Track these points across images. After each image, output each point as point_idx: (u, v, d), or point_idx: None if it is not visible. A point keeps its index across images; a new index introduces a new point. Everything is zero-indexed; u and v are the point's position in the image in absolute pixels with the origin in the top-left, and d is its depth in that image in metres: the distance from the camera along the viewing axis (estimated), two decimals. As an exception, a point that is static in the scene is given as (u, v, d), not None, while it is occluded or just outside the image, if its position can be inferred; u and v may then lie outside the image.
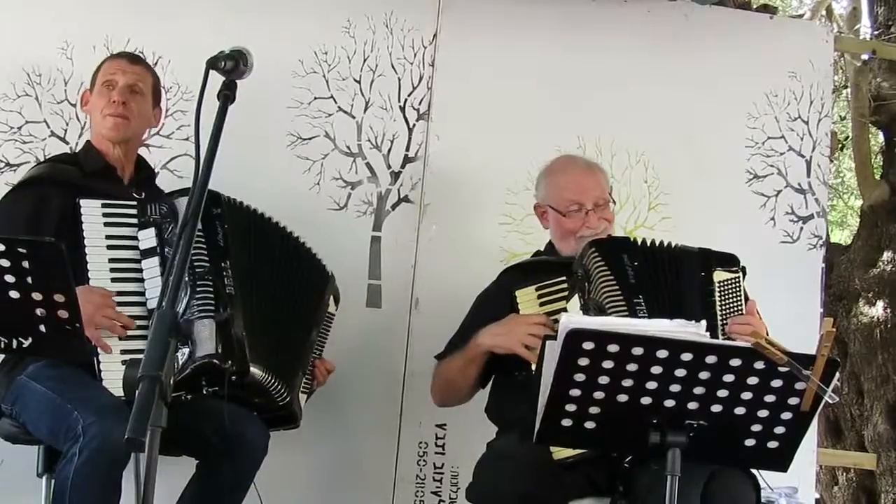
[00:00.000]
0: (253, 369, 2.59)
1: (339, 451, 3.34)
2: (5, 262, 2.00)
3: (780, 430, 2.09)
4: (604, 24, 3.69)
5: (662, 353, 2.00)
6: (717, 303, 2.63)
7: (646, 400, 2.06)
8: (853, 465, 5.30)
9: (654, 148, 3.64)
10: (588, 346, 2.00)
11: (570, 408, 2.09)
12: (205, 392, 2.56)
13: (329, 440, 3.30)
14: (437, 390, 2.90)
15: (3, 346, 2.11)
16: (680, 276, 2.65)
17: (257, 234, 2.81)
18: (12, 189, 2.75)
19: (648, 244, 2.70)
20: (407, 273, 3.46)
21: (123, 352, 2.48)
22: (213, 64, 2.08)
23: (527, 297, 2.70)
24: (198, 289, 2.56)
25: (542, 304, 2.68)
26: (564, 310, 2.58)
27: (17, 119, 3.27)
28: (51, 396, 2.44)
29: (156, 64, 3.20)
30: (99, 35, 3.29)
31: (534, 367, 2.46)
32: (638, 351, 2.00)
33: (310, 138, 3.46)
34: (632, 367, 2.02)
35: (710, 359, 2.01)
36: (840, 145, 7.16)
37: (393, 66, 3.54)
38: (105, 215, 2.61)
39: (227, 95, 2.06)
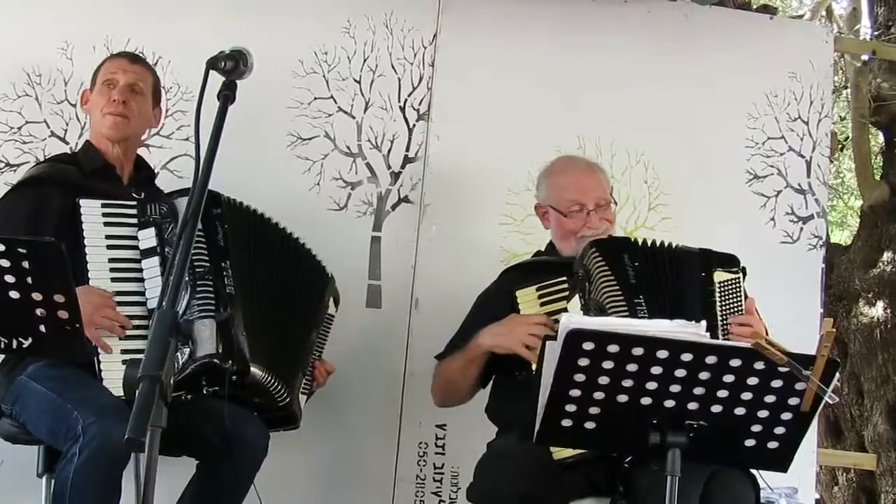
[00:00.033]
0: (253, 369, 2.59)
1: (339, 452, 3.34)
2: (5, 262, 2.00)
3: (780, 430, 2.09)
4: (604, 24, 3.69)
5: (662, 354, 2.00)
6: (718, 303, 2.63)
7: (646, 400, 2.06)
8: (853, 466, 5.30)
9: (655, 148, 3.65)
10: (588, 346, 2.00)
11: (570, 408, 2.09)
12: (205, 392, 2.56)
13: (329, 440, 3.30)
14: (438, 390, 2.90)
15: (3, 346, 2.11)
16: (680, 277, 2.65)
17: (257, 235, 2.81)
18: (12, 189, 2.75)
19: (649, 244, 2.70)
20: (407, 273, 3.46)
21: (124, 351, 2.48)
22: (213, 64, 2.08)
23: (527, 297, 2.69)
24: (198, 288, 2.56)
25: (542, 304, 2.68)
26: (565, 310, 2.58)
27: (17, 119, 3.27)
28: (51, 396, 2.44)
29: (156, 64, 3.20)
30: (99, 35, 3.29)
31: (534, 367, 2.46)
32: (638, 351, 2.00)
33: (310, 138, 3.46)
34: (632, 367, 2.02)
35: (710, 359, 2.01)
36: (840, 146, 7.17)
37: (393, 67, 3.54)
38: (105, 215, 2.61)
39: (227, 95, 2.06)
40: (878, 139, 5.84)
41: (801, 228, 3.74)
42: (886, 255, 5.18)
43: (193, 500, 2.61)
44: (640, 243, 2.71)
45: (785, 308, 3.27)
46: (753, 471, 2.34)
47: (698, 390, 2.04)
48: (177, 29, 3.36)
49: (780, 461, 2.15)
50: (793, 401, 2.05)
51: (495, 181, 3.53)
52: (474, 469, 2.53)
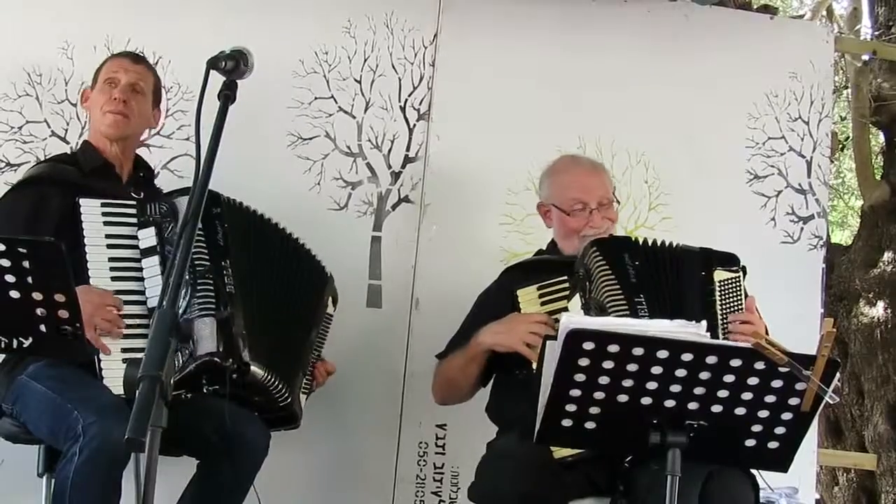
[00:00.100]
0: (254, 368, 2.59)
1: (339, 452, 3.34)
2: (6, 262, 2.00)
3: (780, 430, 2.09)
4: (604, 24, 3.69)
5: (663, 354, 2.00)
6: (718, 302, 2.63)
7: (646, 400, 2.06)
8: (853, 466, 5.30)
9: (655, 148, 3.65)
10: (588, 346, 2.00)
11: (571, 408, 2.09)
12: (205, 391, 2.56)
13: (329, 440, 3.30)
14: (438, 389, 2.90)
15: (3, 346, 2.11)
16: (680, 276, 2.65)
17: (257, 235, 2.81)
18: (11, 188, 2.75)
19: (650, 244, 2.70)
20: (407, 273, 3.46)
21: (124, 350, 2.48)
22: (213, 64, 2.08)
23: (528, 297, 2.69)
24: (198, 287, 2.56)
25: (543, 304, 2.68)
26: (566, 309, 2.58)
27: (17, 119, 3.27)
28: (51, 396, 2.44)
29: (156, 64, 3.20)
30: (99, 35, 3.29)
31: (534, 365, 2.46)
32: (638, 351, 2.00)
33: (310, 138, 3.46)
34: (632, 367, 2.02)
35: (711, 359, 2.01)
36: (840, 146, 7.16)
37: (393, 66, 3.54)
38: (105, 214, 2.61)
39: (228, 95, 2.06)
40: (878, 139, 5.83)
41: (802, 228, 3.74)
42: (887, 255, 5.18)
43: (194, 500, 2.61)
44: (640, 242, 2.71)
45: (785, 308, 3.27)
46: (753, 471, 2.34)
47: (699, 390, 2.04)
48: (177, 29, 3.37)
49: (781, 461, 2.15)
50: (793, 401, 2.05)
51: (495, 181, 3.53)
52: (476, 469, 2.53)
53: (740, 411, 2.06)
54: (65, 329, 2.07)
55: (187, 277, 2.51)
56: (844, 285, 5.34)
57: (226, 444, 2.52)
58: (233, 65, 2.08)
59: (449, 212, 3.51)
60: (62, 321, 2.06)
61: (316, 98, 3.48)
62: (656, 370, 2.02)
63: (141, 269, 2.59)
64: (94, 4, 3.35)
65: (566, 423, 2.11)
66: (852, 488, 5.52)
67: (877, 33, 5.58)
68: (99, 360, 2.47)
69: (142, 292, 2.57)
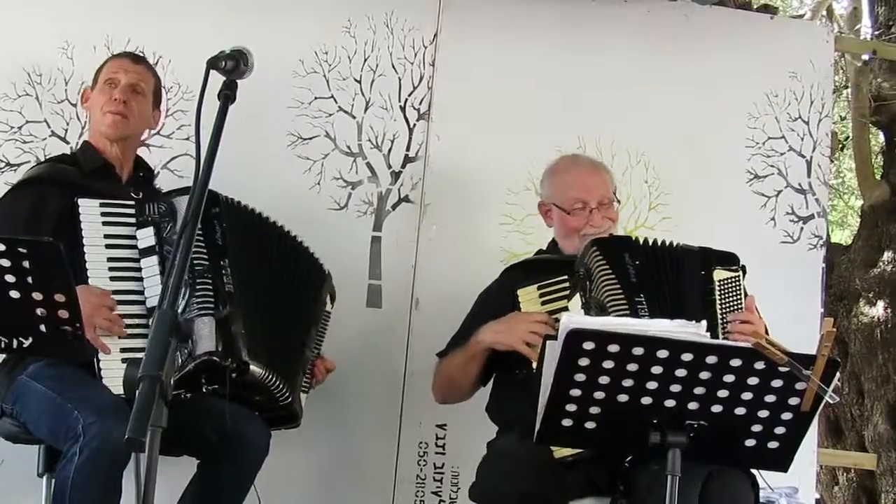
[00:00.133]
0: (253, 367, 2.59)
1: (339, 451, 3.33)
2: (6, 262, 2.00)
3: (780, 430, 2.09)
4: (604, 24, 3.69)
5: (663, 354, 2.00)
6: (717, 301, 2.63)
7: (646, 400, 2.06)
8: (853, 466, 5.30)
9: (655, 148, 3.65)
10: (588, 346, 2.00)
11: (571, 408, 2.09)
12: (205, 390, 2.56)
13: (329, 440, 3.30)
14: (439, 388, 2.91)
15: (3, 346, 2.11)
16: (680, 275, 2.66)
17: (255, 234, 2.81)
18: (11, 189, 2.75)
19: (650, 243, 2.70)
20: (407, 273, 3.46)
21: (123, 350, 2.48)
22: (213, 64, 2.08)
23: (528, 296, 2.69)
24: (197, 287, 2.56)
25: (543, 303, 2.68)
26: (566, 308, 2.58)
27: (17, 119, 3.27)
28: (51, 396, 2.44)
29: (156, 64, 3.20)
30: (99, 35, 3.29)
31: (534, 364, 2.46)
32: (638, 351, 2.00)
33: (310, 138, 3.46)
34: (632, 367, 2.02)
35: (711, 359, 2.01)
36: (840, 145, 7.16)
37: (393, 66, 3.54)
38: (103, 214, 2.61)
39: (228, 95, 2.06)
40: (878, 139, 5.83)
41: (802, 228, 3.74)
42: (887, 255, 5.18)
43: (194, 500, 2.61)
44: (640, 242, 2.72)
45: (785, 308, 3.27)
46: (753, 470, 2.34)
47: (699, 390, 2.04)
48: (177, 29, 3.37)
49: (781, 461, 2.15)
50: (793, 400, 2.05)
51: (495, 181, 3.53)
52: (476, 469, 2.53)
53: (740, 411, 2.06)
54: (65, 329, 2.07)
55: (186, 277, 2.51)
56: (844, 285, 5.34)
57: (226, 444, 2.53)
58: (233, 65, 2.08)
59: (449, 212, 3.51)
60: (62, 321, 2.06)
61: (316, 98, 3.48)
62: (656, 370, 2.02)
63: (139, 269, 2.59)
64: (94, 4, 3.35)
65: (566, 422, 2.11)
66: (852, 488, 5.52)
67: (877, 33, 5.58)
68: (98, 360, 2.47)
69: (140, 292, 2.57)
